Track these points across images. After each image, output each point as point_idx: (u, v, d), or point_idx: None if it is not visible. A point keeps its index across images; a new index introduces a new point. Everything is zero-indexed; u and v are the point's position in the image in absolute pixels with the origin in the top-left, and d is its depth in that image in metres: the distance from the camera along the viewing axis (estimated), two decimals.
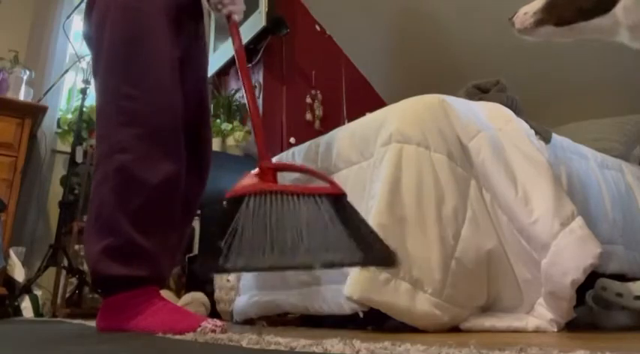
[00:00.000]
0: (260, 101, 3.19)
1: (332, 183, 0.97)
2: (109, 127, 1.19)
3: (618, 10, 1.01)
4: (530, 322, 1.15)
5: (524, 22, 1.14)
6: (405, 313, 1.15)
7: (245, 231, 0.84)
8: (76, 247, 2.87)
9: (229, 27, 1.33)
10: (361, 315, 1.25)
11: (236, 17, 1.34)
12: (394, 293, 1.14)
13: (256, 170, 1.00)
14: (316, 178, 1.02)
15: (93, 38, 1.31)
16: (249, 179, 0.95)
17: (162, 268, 1.18)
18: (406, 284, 1.15)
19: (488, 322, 1.18)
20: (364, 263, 0.94)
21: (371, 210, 1.23)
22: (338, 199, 0.94)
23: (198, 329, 0.99)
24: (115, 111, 1.18)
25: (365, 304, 1.17)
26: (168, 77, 1.23)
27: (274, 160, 1.87)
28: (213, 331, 0.99)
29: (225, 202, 0.91)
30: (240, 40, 1.30)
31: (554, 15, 1.11)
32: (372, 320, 1.28)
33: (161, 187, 1.15)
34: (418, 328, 1.15)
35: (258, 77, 3.27)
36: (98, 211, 1.14)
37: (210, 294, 2.08)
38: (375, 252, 0.91)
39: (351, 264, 0.93)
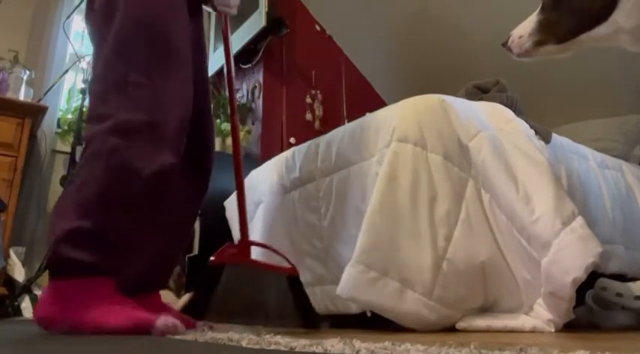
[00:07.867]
0: (260, 101, 3.19)
1: (291, 265, 1.20)
2: (109, 108, 1.12)
3: (617, 15, 0.99)
4: (528, 322, 1.15)
5: (522, 46, 1.11)
6: (390, 311, 1.16)
7: (224, 293, 1.07)
8: None
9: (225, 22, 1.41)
10: (369, 314, 1.26)
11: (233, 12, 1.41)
12: (380, 292, 1.16)
13: (236, 243, 1.22)
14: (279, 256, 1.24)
15: (97, 23, 1.25)
16: (230, 250, 1.16)
17: (129, 264, 1.12)
18: (395, 283, 1.16)
19: (484, 322, 1.18)
20: (301, 326, 1.16)
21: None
22: (293, 278, 1.18)
23: (152, 331, 0.96)
24: (120, 96, 1.12)
25: (354, 302, 1.20)
26: (182, 68, 1.20)
27: (274, 160, 1.88)
28: (164, 333, 0.95)
29: (210, 266, 1.10)
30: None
31: (553, 33, 1.07)
32: (377, 320, 1.29)
33: (152, 180, 1.09)
34: (405, 326, 1.17)
35: (258, 77, 3.26)
36: (80, 189, 1.08)
37: None
38: (309, 319, 1.17)
39: (293, 326, 1.15)
